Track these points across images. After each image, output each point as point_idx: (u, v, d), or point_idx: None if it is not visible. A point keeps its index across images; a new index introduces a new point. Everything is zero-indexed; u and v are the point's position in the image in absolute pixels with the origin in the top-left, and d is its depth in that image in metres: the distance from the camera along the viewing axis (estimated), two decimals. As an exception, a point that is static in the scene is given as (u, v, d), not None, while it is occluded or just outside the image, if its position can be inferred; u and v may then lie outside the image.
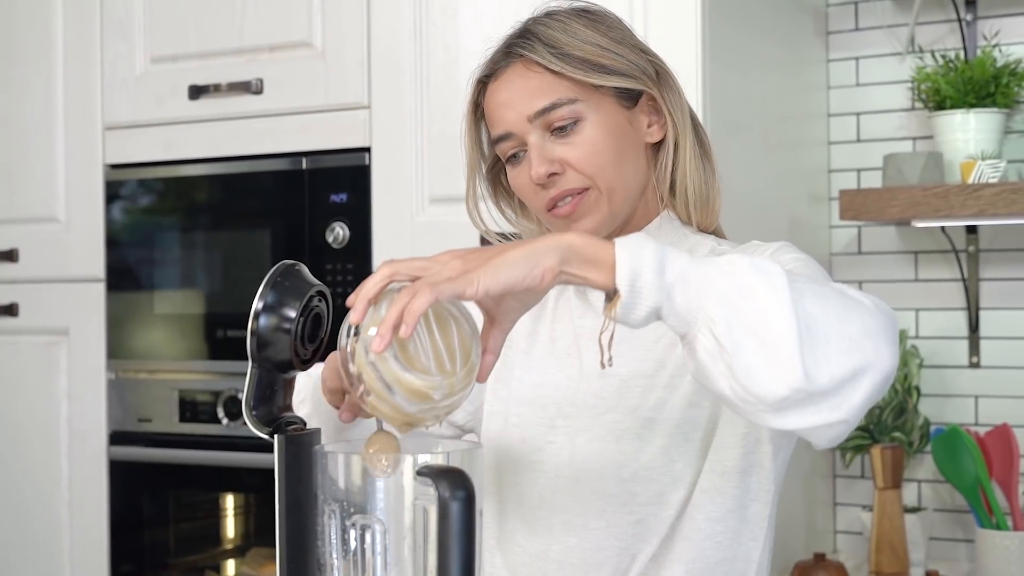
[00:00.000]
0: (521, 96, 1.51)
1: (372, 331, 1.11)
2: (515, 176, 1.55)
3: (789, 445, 1.53)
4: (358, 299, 1.14)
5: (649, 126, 1.56)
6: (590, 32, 1.52)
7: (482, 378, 1.19)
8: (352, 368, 1.13)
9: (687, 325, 1.14)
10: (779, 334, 1.12)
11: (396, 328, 1.09)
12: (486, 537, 1.60)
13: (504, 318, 1.21)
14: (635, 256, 1.14)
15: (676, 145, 1.55)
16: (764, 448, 1.49)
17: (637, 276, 1.13)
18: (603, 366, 1.18)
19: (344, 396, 1.29)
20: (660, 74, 1.55)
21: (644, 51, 1.56)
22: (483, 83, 1.57)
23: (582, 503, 1.52)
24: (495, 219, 1.67)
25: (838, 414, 1.16)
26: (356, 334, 1.13)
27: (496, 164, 1.64)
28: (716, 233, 1.63)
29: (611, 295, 1.15)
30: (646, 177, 1.56)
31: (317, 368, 1.52)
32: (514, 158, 1.54)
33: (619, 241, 1.15)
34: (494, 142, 1.56)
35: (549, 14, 1.55)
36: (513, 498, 1.57)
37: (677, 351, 1.50)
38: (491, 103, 1.55)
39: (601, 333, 1.17)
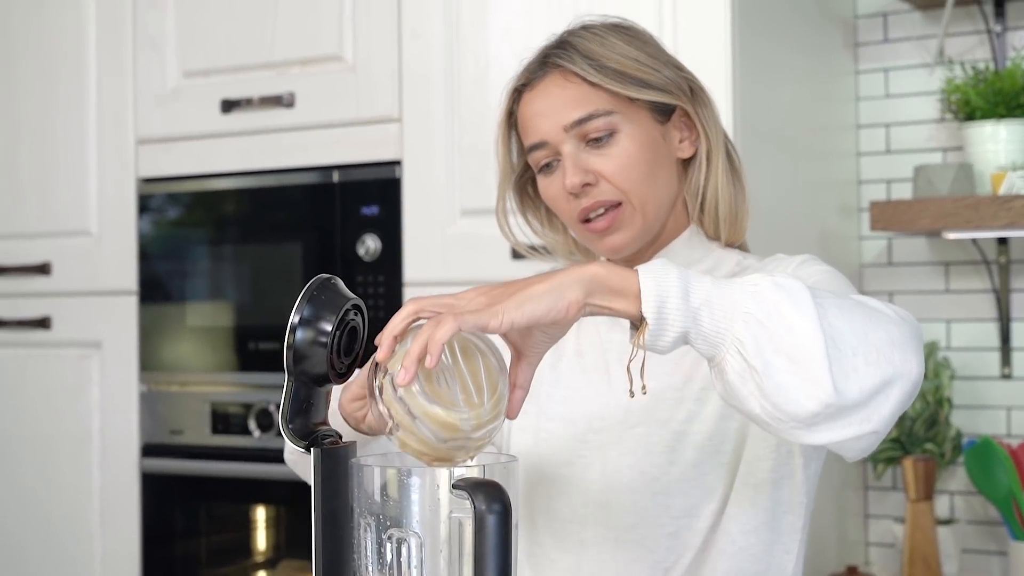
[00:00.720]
0: (558, 106, 1.52)
1: (398, 367, 1.12)
2: (547, 186, 1.56)
3: (819, 457, 1.53)
4: (384, 336, 1.14)
5: (681, 141, 1.57)
6: (627, 46, 1.53)
7: (511, 414, 1.19)
8: (381, 406, 1.14)
9: (715, 348, 1.15)
10: (807, 350, 1.12)
11: (421, 360, 1.09)
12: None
13: (531, 352, 1.21)
14: (660, 283, 1.14)
15: (708, 161, 1.56)
16: (795, 460, 1.49)
17: (663, 303, 1.13)
18: (632, 395, 1.19)
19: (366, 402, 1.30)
20: (694, 90, 1.56)
21: (678, 67, 1.57)
22: (518, 92, 1.58)
23: (615, 517, 1.52)
24: (524, 231, 1.68)
25: (869, 426, 1.16)
26: (384, 372, 1.14)
27: (524, 175, 1.64)
28: (741, 248, 1.63)
29: (637, 323, 1.15)
30: (676, 192, 1.57)
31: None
32: (546, 168, 1.55)
33: (642, 269, 1.15)
34: (528, 151, 1.56)
35: (586, 27, 1.56)
36: (544, 512, 1.58)
37: (705, 363, 1.51)
38: (526, 112, 1.55)
39: (630, 362, 1.17)
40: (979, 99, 2.48)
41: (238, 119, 2.65)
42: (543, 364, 1.61)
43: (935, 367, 2.56)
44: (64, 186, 2.88)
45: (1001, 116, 2.47)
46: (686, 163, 1.58)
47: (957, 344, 2.65)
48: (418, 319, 1.16)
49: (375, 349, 1.15)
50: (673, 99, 1.53)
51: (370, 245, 2.50)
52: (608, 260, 1.60)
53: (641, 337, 1.14)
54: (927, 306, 2.67)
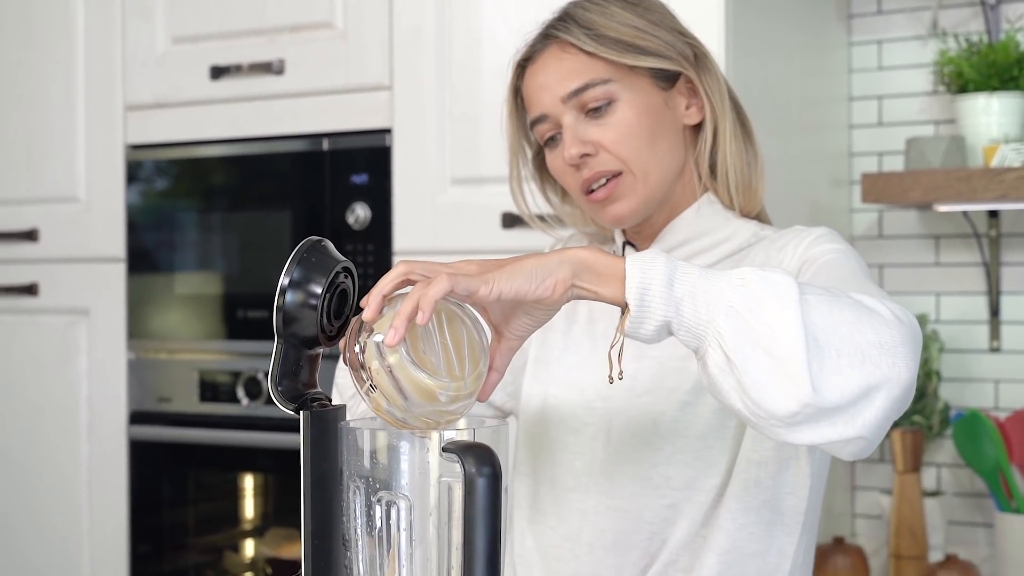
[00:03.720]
0: (556, 78, 1.51)
1: (379, 336, 1.11)
2: (552, 159, 1.55)
3: None
4: (372, 295, 1.13)
5: (687, 108, 1.55)
6: (627, 14, 1.52)
7: (483, 396, 1.19)
8: (361, 363, 1.13)
9: (697, 340, 1.13)
10: (786, 348, 1.09)
11: (410, 320, 1.08)
12: (518, 519, 1.60)
13: (512, 335, 1.21)
14: (645, 270, 1.13)
15: (715, 128, 1.54)
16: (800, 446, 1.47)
17: (646, 290, 1.12)
18: (611, 380, 1.18)
19: None
20: (698, 56, 1.55)
21: (682, 33, 1.55)
22: (522, 67, 1.57)
23: (616, 486, 1.52)
24: (537, 202, 1.67)
25: (852, 430, 1.13)
26: (369, 331, 1.12)
27: (542, 151, 1.63)
28: (760, 217, 1.61)
29: (624, 309, 1.15)
30: (683, 159, 1.55)
31: None
32: (551, 141, 1.55)
33: (631, 256, 1.15)
34: (531, 125, 1.56)
35: None
36: (548, 480, 1.57)
37: None
38: (529, 86, 1.55)
39: (611, 347, 1.17)
40: (972, 71, 2.48)
41: (227, 86, 2.64)
42: (556, 330, 1.60)
43: (924, 340, 2.56)
44: (52, 152, 2.86)
45: (994, 89, 2.46)
46: (696, 129, 1.57)
47: (946, 317, 2.65)
48: (407, 281, 1.15)
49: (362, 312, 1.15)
50: (673, 65, 1.52)
51: (360, 214, 2.49)
52: (622, 231, 1.61)
53: (624, 323, 1.14)
54: (917, 279, 2.67)
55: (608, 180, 1.50)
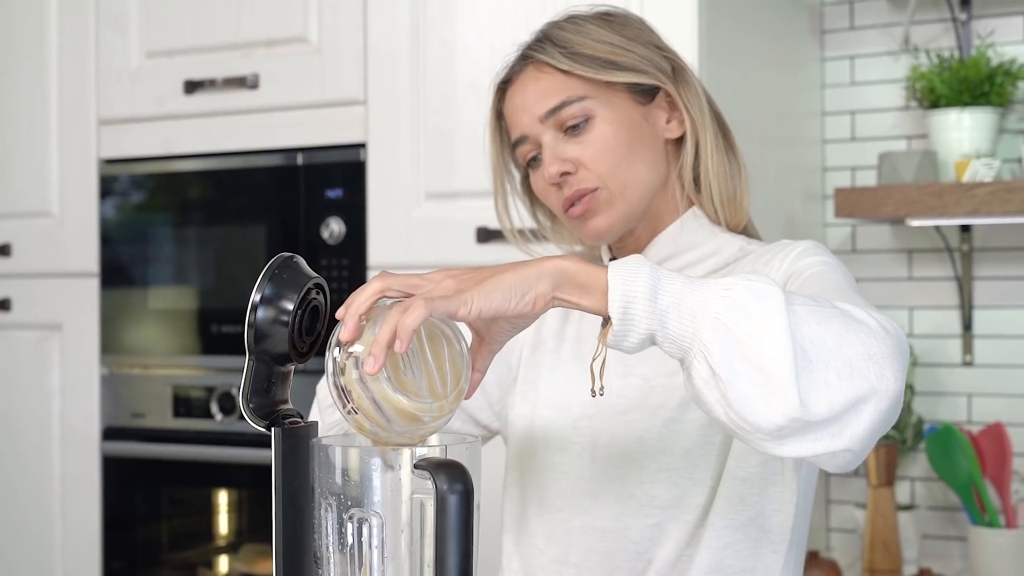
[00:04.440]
0: (533, 98, 1.51)
1: (360, 348, 1.10)
2: (535, 179, 1.55)
3: None
4: (348, 314, 1.11)
5: (668, 122, 1.55)
6: (602, 31, 1.52)
7: (467, 395, 1.17)
8: (341, 384, 1.12)
9: (682, 351, 1.11)
10: (774, 361, 1.07)
11: (390, 347, 1.07)
12: (505, 541, 1.59)
13: (494, 339, 1.19)
14: (628, 281, 1.10)
15: (697, 141, 1.54)
16: (786, 459, 1.44)
17: (629, 302, 1.10)
18: (594, 394, 1.15)
19: None
20: (676, 70, 1.54)
21: (660, 47, 1.55)
22: (502, 90, 1.57)
23: (602, 506, 1.50)
24: (521, 217, 1.66)
25: (840, 442, 1.11)
26: (347, 352, 1.11)
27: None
28: (748, 231, 1.60)
29: (606, 321, 1.12)
30: (664, 173, 1.55)
31: None
32: (534, 161, 1.54)
33: (612, 265, 1.12)
34: (513, 147, 1.55)
35: (568, 18, 1.55)
36: (536, 501, 1.56)
37: None
38: (508, 108, 1.55)
39: (593, 360, 1.14)
40: (944, 87, 2.49)
41: (202, 100, 2.63)
42: (545, 349, 1.59)
43: (897, 354, 2.57)
44: (25, 167, 2.85)
45: (965, 104, 2.48)
46: (679, 143, 1.56)
47: (919, 331, 2.67)
48: (383, 298, 1.13)
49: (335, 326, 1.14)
50: (650, 79, 1.51)
51: (334, 228, 2.49)
52: (608, 248, 1.60)
53: (607, 336, 1.11)
54: (890, 293, 2.68)
55: (586, 196, 1.50)
